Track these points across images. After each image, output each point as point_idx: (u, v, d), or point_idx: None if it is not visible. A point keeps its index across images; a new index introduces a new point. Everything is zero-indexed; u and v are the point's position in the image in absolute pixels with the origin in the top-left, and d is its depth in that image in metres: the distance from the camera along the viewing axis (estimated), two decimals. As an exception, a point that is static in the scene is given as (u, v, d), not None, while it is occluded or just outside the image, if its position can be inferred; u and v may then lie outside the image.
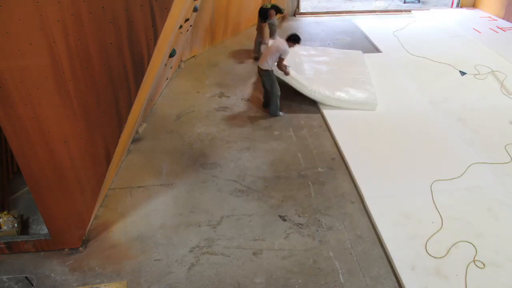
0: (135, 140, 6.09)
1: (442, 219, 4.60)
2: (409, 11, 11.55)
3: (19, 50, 3.16)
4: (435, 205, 4.80)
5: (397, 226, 4.52)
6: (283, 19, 9.13)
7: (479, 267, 4.05)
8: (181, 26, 5.68)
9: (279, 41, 6.40)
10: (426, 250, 4.23)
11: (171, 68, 7.50)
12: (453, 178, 5.19)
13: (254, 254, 4.30)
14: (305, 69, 7.39)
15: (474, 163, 5.43)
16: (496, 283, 3.91)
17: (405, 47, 9.06)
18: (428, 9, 11.79)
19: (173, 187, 5.21)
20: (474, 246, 4.27)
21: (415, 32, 10.03)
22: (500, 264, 4.09)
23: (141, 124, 6.31)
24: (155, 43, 3.25)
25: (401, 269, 4.02)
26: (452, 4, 12.05)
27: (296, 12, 11.45)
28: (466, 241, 4.33)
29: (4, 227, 4.30)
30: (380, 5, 12.46)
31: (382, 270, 4.09)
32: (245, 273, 4.09)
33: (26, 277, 4.00)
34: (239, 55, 8.98)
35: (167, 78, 7.64)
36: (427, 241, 4.33)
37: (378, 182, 5.16)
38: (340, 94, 6.75)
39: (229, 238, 4.48)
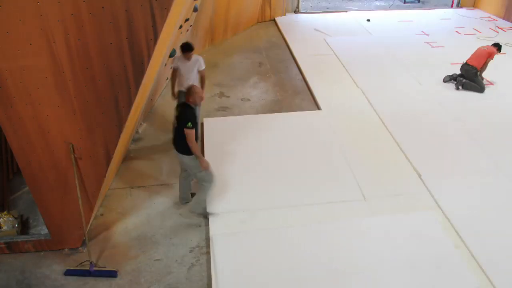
0: (135, 140, 6.09)
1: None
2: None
3: (19, 50, 3.16)
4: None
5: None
6: None
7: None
8: (181, 26, 5.68)
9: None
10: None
11: (171, 68, 7.48)
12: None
13: (254, 254, 4.30)
14: None
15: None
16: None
17: (406, 47, 9.05)
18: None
19: (173, 187, 5.20)
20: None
21: (415, 32, 10.02)
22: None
23: (141, 124, 6.31)
24: (155, 43, 3.25)
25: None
26: (452, 4, 12.05)
27: (296, 12, 11.48)
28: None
29: (4, 227, 4.29)
30: (380, 5, 12.46)
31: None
32: (245, 273, 4.09)
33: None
34: (239, 55, 8.98)
35: (167, 78, 7.63)
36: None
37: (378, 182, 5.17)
38: None
39: (229, 238, 4.48)
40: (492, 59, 7.14)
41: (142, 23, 3.14)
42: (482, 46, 7.30)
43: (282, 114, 6.64)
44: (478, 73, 7.09)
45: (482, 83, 7.15)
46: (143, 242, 4.45)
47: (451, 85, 7.41)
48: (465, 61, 7.23)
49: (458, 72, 7.39)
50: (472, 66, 7.07)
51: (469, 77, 7.10)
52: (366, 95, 7.11)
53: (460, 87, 7.15)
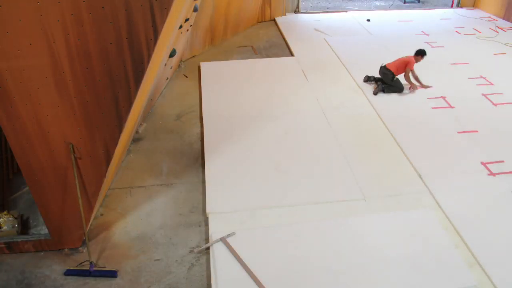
0: (135, 140, 6.09)
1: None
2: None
3: (19, 50, 3.16)
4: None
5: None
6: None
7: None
8: (181, 26, 5.69)
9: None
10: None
11: (171, 68, 7.50)
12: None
13: (254, 254, 4.30)
14: None
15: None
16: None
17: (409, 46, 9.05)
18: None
19: (173, 187, 5.21)
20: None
21: (415, 32, 10.03)
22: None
23: (141, 124, 6.31)
24: (155, 43, 3.25)
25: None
26: (452, 4, 12.05)
27: (296, 12, 11.49)
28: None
29: (4, 227, 4.30)
30: (380, 5, 12.46)
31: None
32: (245, 273, 4.09)
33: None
34: (239, 55, 8.98)
35: (167, 78, 7.64)
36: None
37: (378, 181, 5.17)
38: None
39: (229, 238, 4.48)
40: (411, 69, 7.05)
41: (142, 23, 3.14)
42: (406, 56, 7.15)
43: (282, 112, 6.63)
44: (395, 77, 7.08)
45: (399, 83, 7.14)
46: (143, 242, 4.45)
47: (450, 85, 7.42)
48: (384, 64, 7.23)
49: (376, 74, 7.39)
50: (390, 70, 7.06)
51: (387, 81, 7.13)
52: (366, 95, 7.12)
53: (381, 92, 7.11)
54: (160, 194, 5.11)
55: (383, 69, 7.17)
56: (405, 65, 7.05)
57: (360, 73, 7.83)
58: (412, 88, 7.18)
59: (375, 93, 7.09)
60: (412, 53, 7.15)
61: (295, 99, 7.05)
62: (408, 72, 7.05)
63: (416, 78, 7.19)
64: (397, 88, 7.12)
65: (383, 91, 7.11)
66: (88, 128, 3.64)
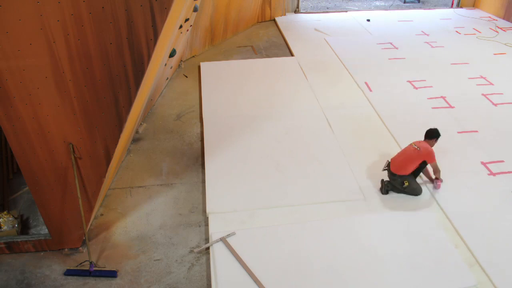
0: (135, 140, 6.09)
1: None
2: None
3: (19, 50, 3.16)
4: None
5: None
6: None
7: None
8: (181, 26, 5.68)
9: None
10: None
11: (171, 68, 7.50)
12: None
13: (254, 254, 4.30)
14: None
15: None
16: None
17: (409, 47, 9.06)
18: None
19: (173, 187, 5.21)
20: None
21: (415, 32, 10.03)
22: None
23: (141, 124, 6.31)
24: (155, 43, 3.25)
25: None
26: (452, 4, 12.05)
27: (296, 12, 11.50)
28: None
29: (4, 227, 4.30)
30: (380, 5, 12.46)
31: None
32: (245, 273, 4.09)
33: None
34: (239, 55, 8.99)
35: (167, 78, 7.64)
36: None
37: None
38: None
39: (229, 238, 4.48)
40: (434, 162, 4.89)
41: (142, 23, 3.15)
42: (414, 143, 4.93)
43: (282, 111, 6.64)
44: (406, 184, 4.84)
45: (414, 184, 4.91)
46: (143, 242, 4.45)
47: (450, 85, 7.42)
48: (389, 162, 5.05)
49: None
50: (395, 174, 4.89)
51: (396, 185, 4.94)
52: (366, 95, 7.12)
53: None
54: (160, 194, 5.11)
55: (389, 172, 4.97)
56: (419, 161, 4.86)
57: (360, 73, 7.84)
58: (438, 181, 5.02)
59: (385, 193, 4.99)
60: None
61: (295, 99, 7.05)
62: (436, 168, 4.96)
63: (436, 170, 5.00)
64: (412, 193, 4.94)
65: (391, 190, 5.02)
66: (88, 128, 3.64)
